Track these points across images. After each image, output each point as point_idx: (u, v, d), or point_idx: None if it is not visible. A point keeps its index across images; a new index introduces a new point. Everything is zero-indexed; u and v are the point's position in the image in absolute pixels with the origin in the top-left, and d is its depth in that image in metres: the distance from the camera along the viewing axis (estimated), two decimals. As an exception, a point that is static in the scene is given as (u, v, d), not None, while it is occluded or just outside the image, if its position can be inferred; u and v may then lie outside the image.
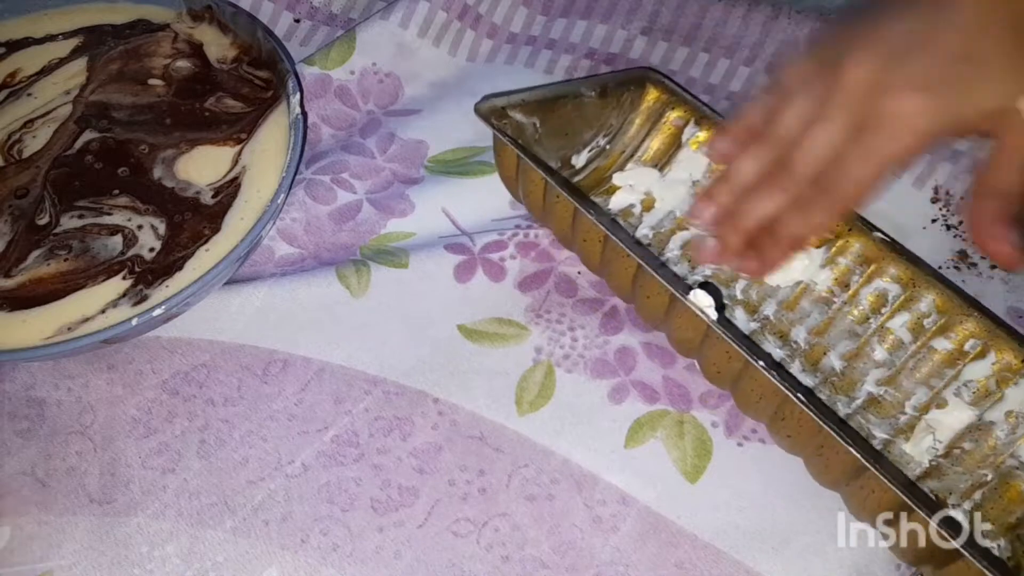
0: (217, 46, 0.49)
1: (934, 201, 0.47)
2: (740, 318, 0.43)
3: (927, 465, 0.38)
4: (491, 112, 0.43)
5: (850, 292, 0.41)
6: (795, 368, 0.41)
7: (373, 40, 0.53)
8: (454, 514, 0.37)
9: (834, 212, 0.34)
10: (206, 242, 0.42)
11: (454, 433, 0.39)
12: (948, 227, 0.46)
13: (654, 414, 0.40)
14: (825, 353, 0.41)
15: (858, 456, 0.32)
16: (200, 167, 0.44)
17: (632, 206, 0.46)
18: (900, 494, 0.31)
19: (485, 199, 0.47)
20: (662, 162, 0.47)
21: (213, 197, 0.43)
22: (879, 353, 0.40)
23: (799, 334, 0.42)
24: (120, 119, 0.46)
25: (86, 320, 0.39)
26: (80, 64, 0.48)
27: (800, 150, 0.33)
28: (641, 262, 0.38)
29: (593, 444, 0.39)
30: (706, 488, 0.38)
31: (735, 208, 0.35)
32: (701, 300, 0.36)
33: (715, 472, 0.38)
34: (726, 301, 0.43)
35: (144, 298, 0.40)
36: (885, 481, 0.32)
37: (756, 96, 0.39)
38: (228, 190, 0.44)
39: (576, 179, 0.47)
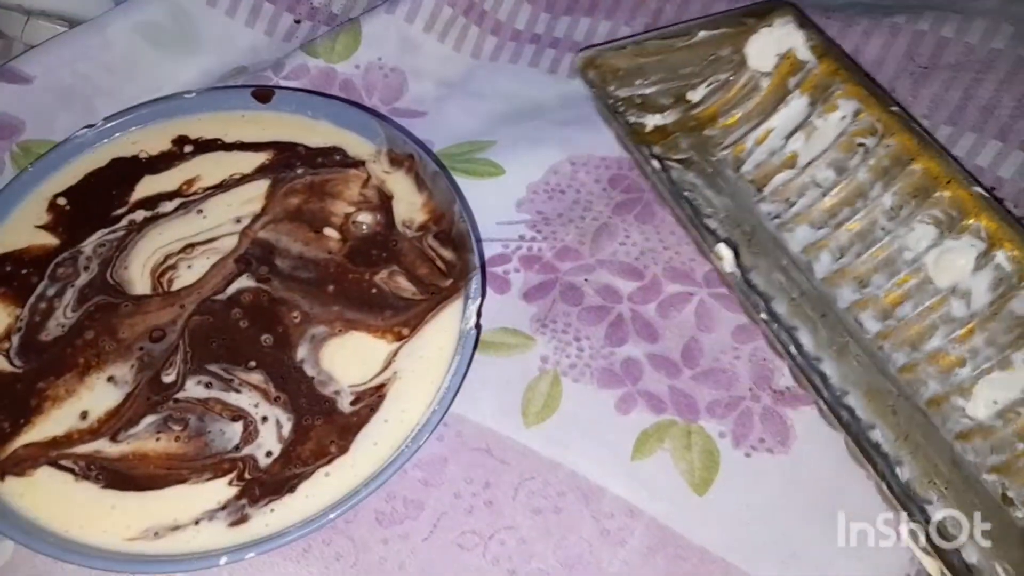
0: (408, 204, 0.43)
1: None
2: (824, 260, 0.44)
3: (976, 422, 0.38)
4: (587, 63, 0.47)
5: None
6: (867, 314, 0.42)
7: (378, 34, 0.52)
8: (460, 527, 0.37)
9: None
10: (329, 462, 0.36)
11: (460, 445, 0.39)
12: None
13: (661, 425, 0.39)
14: (901, 302, 0.41)
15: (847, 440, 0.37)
16: (348, 359, 0.39)
17: (742, 140, 0.48)
18: (887, 491, 0.35)
19: (491, 202, 0.46)
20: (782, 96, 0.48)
21: (352, 404, 0.37)
22: (957, 308, 0.40)
23: (880, 281, 0.42)
24: (282, 269, 0.41)
25: (176, 528, 0.34)
26: (260, 187, 0.44)
27: None
28: (677, 211, 0.43)
29: (600, 456, 0.39)
30: (714, 500, 0.38)
31: None
32: (723, 253, 0.41)
33: (723, 484, 0.38)
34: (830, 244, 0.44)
35: (244, 518, 0.34)
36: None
37: None
38: (370, 399, 0.38)
39: (693, 111, 0.49)
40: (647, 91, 0.50)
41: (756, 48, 0.49)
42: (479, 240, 0.43)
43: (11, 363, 0.38)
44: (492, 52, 0.54)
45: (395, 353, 0.39)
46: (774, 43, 0.49)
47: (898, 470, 0.37)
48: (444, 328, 0.39)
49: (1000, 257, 0.40)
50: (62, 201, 0.43)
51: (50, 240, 0.42)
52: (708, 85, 0.50)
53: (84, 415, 0.37)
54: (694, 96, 0.50)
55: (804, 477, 0.38)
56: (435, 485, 0.38)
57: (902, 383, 0.40)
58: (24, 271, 0.41)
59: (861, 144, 0.45)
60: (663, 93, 0.50)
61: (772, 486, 0.38)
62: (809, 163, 0.46)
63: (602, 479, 0.38)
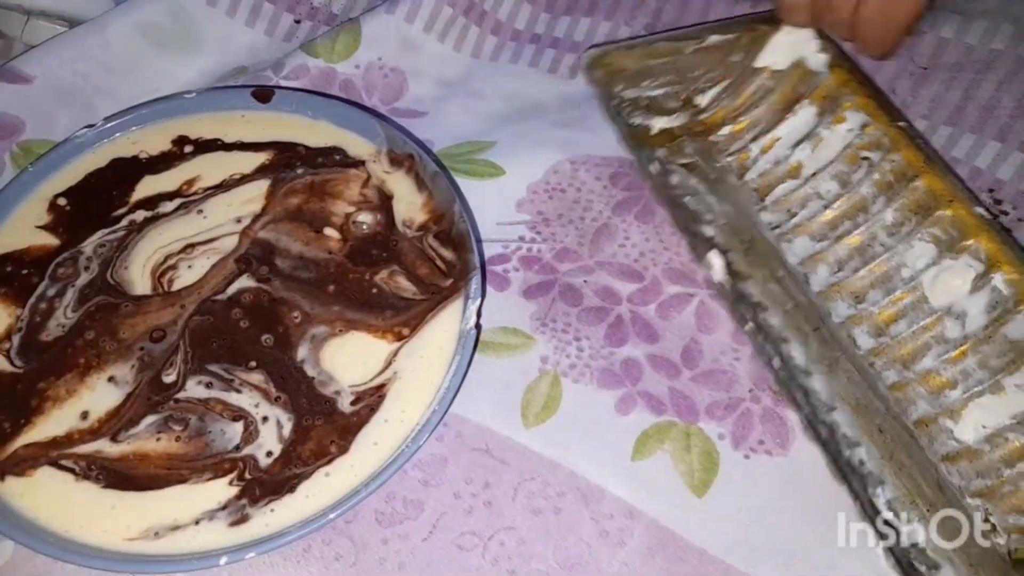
0: (408, 204, 0.43)
1: None
2: (822, 273, 0.43)
3: (964, 445, 0.38)
4: (594, 62, 0.47)
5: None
6: (860, 329, 0.41)
7: (378, 34, 0.52)
8: (459, 527, 0.37)
9: None
10: (329, 463, 0.36)
11: (459, 445, 0.39)
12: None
13: (661, 426, 0.39)
14: (895, 320, 0.41)
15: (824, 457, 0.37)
16: (349, 359, 0.39)
17: (747, 148, 0.48)
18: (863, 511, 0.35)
19: (491, 203, 0.46)
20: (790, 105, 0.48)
21: (352, 404, 0.37)
22: (952, 329, 0.40)
23: (875, 297, 0.42)
24: (282, 269, 0.41)
25: (177, 528, 0.34)
26: (261, 187, 0.44)
27: None
28: (675, 215, 0.44)
29: (600, 457, 0.39)
30: (714, 502, 0.38)
31: None
32: (714, 261, 0.42)
33: (722, 486, 0.38)
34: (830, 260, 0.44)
35: (244, 518, 0.35)
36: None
37: None
38: (370, 399, 0.38)
39: (701, 116, 0.49)
40: (654, 93, 0.50)
41: (770, 52, 0.48)
42: (479, 240, 0.43)
43: (11, 363, 0.38)
44: (492, 52, 0.54)
45: (395, 353, 0.39)
46: (788, 49, 0.48)
47: (880, 489, 0.37)
48: (444, 328, 0.39)
49: (998, 279, 0.39)
50: (62, 201, 0.43)
51: (50, 240, 0.42)
52: (717, 90, 0.49)
53: (84, 415, 0.37)
54: (702, 100, 0.50)
55: (803, 478, 0.38)
56: (435, 485, 0.38)
57: (891, 401, 0.40)
58: (24, 271, 0.41)
59: (866, 158, 0.44)
60: (671, 96, 0.50)
61: (771, 488, 0.38)
62: (813, 174, 0.46)
63: (602, 480, 0.38)
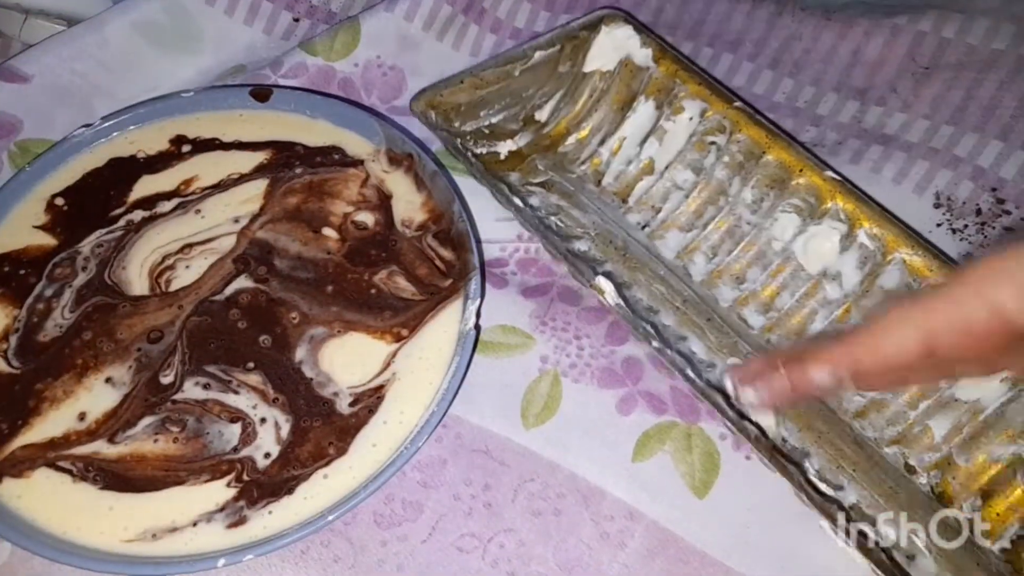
0: (406, 203, 0.43)
1: (936, 207, 0.46)
2: (699, 262, 0.44)
3: (868, 399, 0.39)
4: (425, 105, 0.46)
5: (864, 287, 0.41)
6: (749, 309, 0.42)
7: (377, 32, 0.52)
8: (459, 529, 0.37)
9: None
10: (327, 464, 0.36)
11: (459, 446, 0.39)
12: (953, 231, 0.45)
13: (662, 426, 0.39)
14: (779, 293, 0.42)
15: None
16: (347, 360, 0.38)
17: (597, 152, 0.48)
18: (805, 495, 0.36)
19: (488, 200, 0.45)
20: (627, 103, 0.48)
21: (350, 406, 0.37)
22: (832, 291, 0.41)
23: (755, 275, 0.43)
24: (280, 270, 0.41)
25: (174, 530, 0.34)
26: (259, 186, 0.43)
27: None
28: (545, 245, 0.43)
29: (600, 457, 0.38)
30: (714, 504, 0.38)
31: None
32: (604, 286, 0.40)
33: (723, 487, 0.38)
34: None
35: (242, 520, 0.34)
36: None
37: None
38: (369, 401, 0.37)
39: (544, 131, 0.49)
40: (494, 120, 0.49)
41: (596, 55, 0.49)
42: (479, 240, 0.43)
43: (9, 364, 0.38)
44: (491, 50, 0.54)
45: (394, 354, 0.39)
46: (612, 49, 0.48)
47: (807, 462, 0.38)
48: (443, 329, 0.39)
49: (862, 236, 0.40)
50: (60, 201, 0.43)
51: (48, 240, 0.42)
52: (553, 102, 0.49)
53: (82, 416, 0.37)
54: (541, 115, 0.50)
55: None
56: (434, 487, 0.38)
57: None
58: (22, 271, 0.41)
59: (713, 142, 0.45)
60: (510, 119, 0.50)
61: (772, 489, 0.38)
62: (666, 167, 0.46)
63: (602, 481, 0.38)
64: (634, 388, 0.40)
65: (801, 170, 0.42)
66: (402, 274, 0.41)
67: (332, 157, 0.45)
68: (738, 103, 0.44)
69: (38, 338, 0.39)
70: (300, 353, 0.39)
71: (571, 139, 0.49)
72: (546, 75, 0.49)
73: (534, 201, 0.46)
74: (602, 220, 0.46)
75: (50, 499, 0.35)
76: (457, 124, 0.48)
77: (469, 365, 0.38)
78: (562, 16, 0.55)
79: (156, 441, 0.36)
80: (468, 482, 0.38)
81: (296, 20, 0.55)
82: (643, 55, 0.47)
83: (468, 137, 0.48)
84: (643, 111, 0.47)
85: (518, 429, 0.39)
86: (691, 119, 0.46)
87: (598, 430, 0.39)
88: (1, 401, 0.37)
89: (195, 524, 0.34)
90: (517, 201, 0.43)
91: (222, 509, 0.35)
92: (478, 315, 0.39)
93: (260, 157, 0.45)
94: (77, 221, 0.42)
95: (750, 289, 0.43)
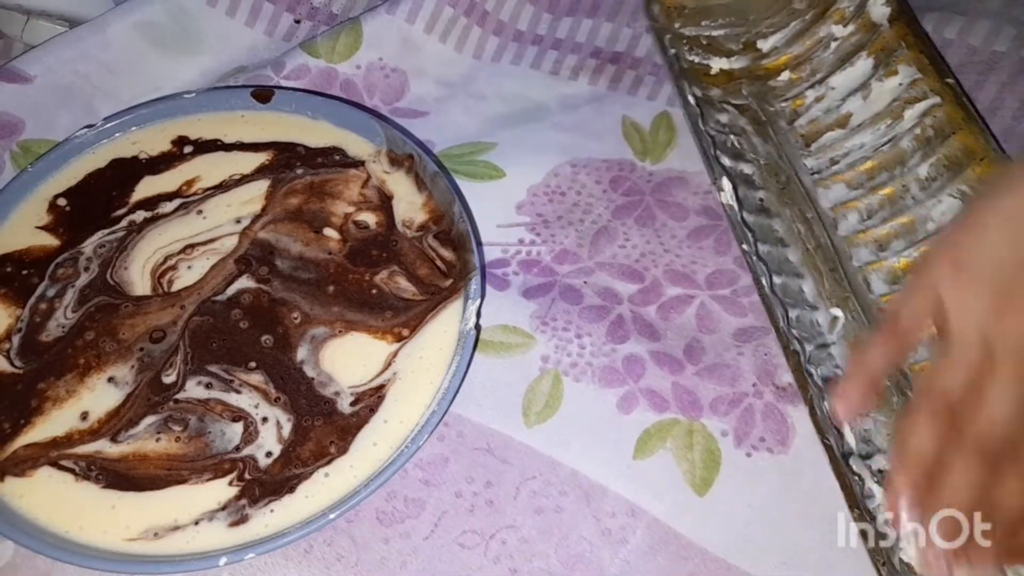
0: (408, 204, 0.43)
1: None
2: (851, 219, 0.44)
3: None
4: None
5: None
6: (877, 275, 0.42)
7: (379, 34, 0.52)
8: (461, 526, 0.37)
9: None
10: (328, 463, 0.36)
11: (461, 445, 0.39)
12: None
13: (663, 424, 0.39)
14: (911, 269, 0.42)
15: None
16: (348, 360, 0.39)
17: (803, 95, 0.49)
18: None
19: (490, 205, 0.46)
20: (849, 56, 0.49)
21: (351, 405, 0.37)
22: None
23: (898, 247, 0.43)
24: (282, 270, 0.41)
25: (176, 529, 0.34)
26: (260, 187, 0.44)
27: (981, 411, 0.30)
28: (699, 146, 0.46)
29: (601, 455, 0.39)
30: (715, 501, 0.38)
31: (927, 490, 0.31)
32: (724, 186, 0.43)
33: (724, 484, 0.38)
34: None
35: (244, 519, 0.35)
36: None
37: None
38: (370, 400, 0.38)
39: (762, 62, 0.51)
40: (715, 33, 0.52)
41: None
42: (479, 241, 0.43)
43: (11, 364, 0.38)
44: (494, 53, 0.54)
45: (395, 354, 0.39)
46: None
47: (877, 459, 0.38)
48: (444, 329, 0.39)
49: None
50: (62, 202, 0.43)
51: (50, 241, 0.42)
52: (781, 36, 0.51)
53: (84, 416, 0.37)
54: (764, 45, 0.51)
55: (804, 477, 0.38)
56: (436, 485, 0.38)
57: None
58: (24, 272, 0.41)
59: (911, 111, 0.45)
60: (731, 38, 0.52)
61: (772, 486, 0.38)
62: (860, 125, 0.46)
63: (603, 478, 0.38)
64: (635, 386, 0.40)
65: (982, 159, 0.42)
66: (403, 274, 0.41)
67: (333, 158, 0.45)
68: (951, 80, 0.45)
69: (41, 338, 0.39)
70: (301, 353, 0.39)
71: (784, 75, 0.50)
72: (780, 5, 0.51)
73: (723, 118, 0.48)
74: (777, 154, 0.47)
75: (53, 498, 0.35)
76: (678, 25, 0.51)
77: (469, 365, 0.38)
78: (565, 19, 0.55)
79: (158, 440, 0.36)
80: (470, 480, 0.38)
81: (297, 22, 0.55)
82: (880, 13, 0.48)
83: (684, 42, 0.51)
84: (860, 66, 0.48)
85: (519, 427, 0.39)
86: (900, 84, 0.46)
87: (599, 428, 0.39)
88: (4, 400, 0.37)
89: (197, 523, 0.34)
90: (691, 100, 0.47)
91: (224, 508, 0.35)
92: (478, 315, 0.39)
93: (262, 158, 0.45)
94: (79, 222, 0.42)
95: (887, 258, 0.43)
